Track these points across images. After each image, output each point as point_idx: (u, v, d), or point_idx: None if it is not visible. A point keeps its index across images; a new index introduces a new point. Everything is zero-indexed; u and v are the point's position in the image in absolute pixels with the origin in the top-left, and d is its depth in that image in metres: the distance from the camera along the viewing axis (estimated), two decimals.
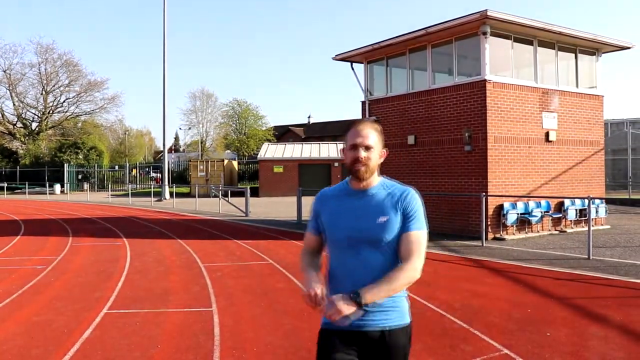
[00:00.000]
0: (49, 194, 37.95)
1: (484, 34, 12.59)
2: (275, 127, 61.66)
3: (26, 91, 53.08)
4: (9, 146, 51.91)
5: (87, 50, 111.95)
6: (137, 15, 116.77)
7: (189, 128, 65.11)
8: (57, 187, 40.32)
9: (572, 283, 7.61)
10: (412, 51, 14.63)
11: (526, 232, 13.04)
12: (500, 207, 12.68)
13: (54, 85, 52.77)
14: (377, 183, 2.34)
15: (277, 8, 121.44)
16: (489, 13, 12.00)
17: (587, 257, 9.53)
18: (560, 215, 13.63)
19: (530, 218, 12.92)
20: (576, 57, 14.65)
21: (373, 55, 15.62)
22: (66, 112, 54.64)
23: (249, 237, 13.13)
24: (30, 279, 8.17)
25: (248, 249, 11.24)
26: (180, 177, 43.09)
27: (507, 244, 11.57)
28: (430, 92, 13.99)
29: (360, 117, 16.23)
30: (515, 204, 12.85)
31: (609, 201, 17.54)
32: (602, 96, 15.13)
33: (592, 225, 10.82)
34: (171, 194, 28.78)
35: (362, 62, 16.11)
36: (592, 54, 15.04)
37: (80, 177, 45.41)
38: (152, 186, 36.90)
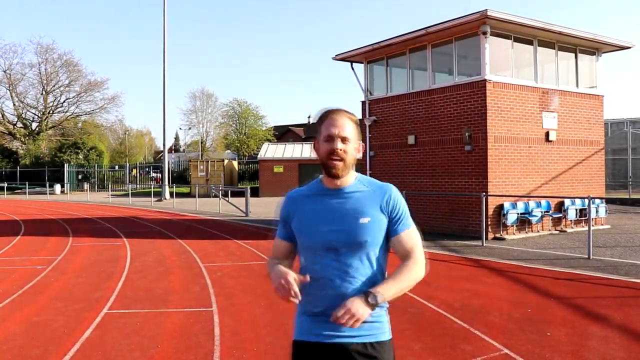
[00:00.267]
0: (49, 194, 37.96)
1: (484, 33, 12.59)
2: (275, 127, 61.67)
3: (26, 91, 53.22)
4: (9, 146, 51.95)
5: (87, 50, 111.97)
6: (137, 15, 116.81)
7: (189, 128, 65.19)
8: (57, 187, 40.33)
9: (572, 283, 7.61)
10: (412, 51, 14.63)
11: (526, 232, 13.04)
12: (501, 206, 12.68)
13: (54, 86, 52.84)
14: (353, 180, 2.11)
15: (277, 8, 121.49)
16: (489, 13, 12.01)
17: (587, 256, 9.53)
18: (561, 215, 13.63)
19: (530, 218, 12.92)
20: (576, 57, 14.65)
21: (373, 55, 15.63)
22: (66, 112, 54.73)
23: (249, 237, 13.13)
24: (30, 279, 8.17)
25: (248, 249, 11.24)
26: (181, 177, 43.10)
27: (507, 244, 11.57)
28: (430, 92, 13.99)
29: (360, 117, 16.24)
30: (516, 203, 12.85)
31: (609, 201, 17.53)
32: (602, 96, 15.13)
33: (592, 225, 10.81)
34: (171, 194, 28.79)
35: (362, 62, 16.11)
36: (592, 53, 15.04)
37: (80, 177, 45.43)
38: (152, 186, 36.91)
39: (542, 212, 13.19)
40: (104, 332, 5.42)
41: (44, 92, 52.50)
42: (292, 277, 1.95)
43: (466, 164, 12.98)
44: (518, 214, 12.76)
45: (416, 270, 2.07)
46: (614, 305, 6.25)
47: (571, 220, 13.85)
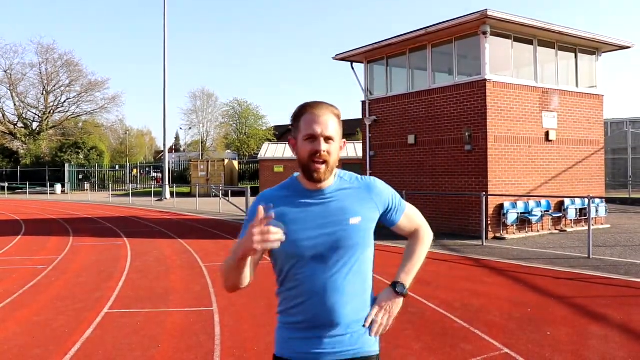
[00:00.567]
0: (50, 194, 37.98)
1: (484, 33, 12.59)
2: (275, 127, 61.63)
3: (27, 91, 53.22)
4: (10, 146, 51.97)
5: (87, 50, 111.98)
6: (137, 15, 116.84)
7: (190, 128, 65.26)
8: (58, 187, 40.35)
9: (572, 282, 7.62)
10: (412, 51, 14.64)
11: (526, 232, 13.04)
12: (501, 206, 12.68)
13: (54, 85, 52.85)
14: (334, 178, 1.90)
15: (277, 8, 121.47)
16: (489, 13, 12.01)
17: (587, 256, 9.54)
18: (561, 214, 13.64)
19: (530, 217, 12.93)
20: (576, 57, 14.65)
21: (373, 55, 15.63)
22: (67, 112, 54.76)
23: None
24: (31, 279, 8.19)
25: None
26: (181, 177, 43.11)
27: (507, 244, 11.58)
28: (430, 91, 14.00)
29: (360, 117, 16.24)
30: (516, 203, 12.85)
31: (609, 200, 17.55)
32: (602, 96, 15.14)
33: (592, 225, 10.82)
34: (172, 194, 28.79)
35: (362, 62, 16.12)
36: (592, 53, 15.04)
37: (81, 177, 45.45)
38: (153, 186, 36.92)
39: (542, 211, 13.19)
40: (104, 332, 5.43)
41: (44, 92, 52.53)
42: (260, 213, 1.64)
43: (466, 163, 12.99)
44: (518, 213, 12.77)
45: (426, 242, 2.10)
46: (614, 305, 6.25)
47: (571, 220, 13.86)
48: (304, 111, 1.85)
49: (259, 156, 36.19)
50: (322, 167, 1.81)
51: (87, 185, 43.51)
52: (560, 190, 13.78)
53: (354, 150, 29.41)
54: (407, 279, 2.01)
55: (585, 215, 13.62)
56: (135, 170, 51.27)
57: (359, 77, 16.22)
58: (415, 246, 2.08)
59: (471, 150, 12.82)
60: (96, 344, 5.08)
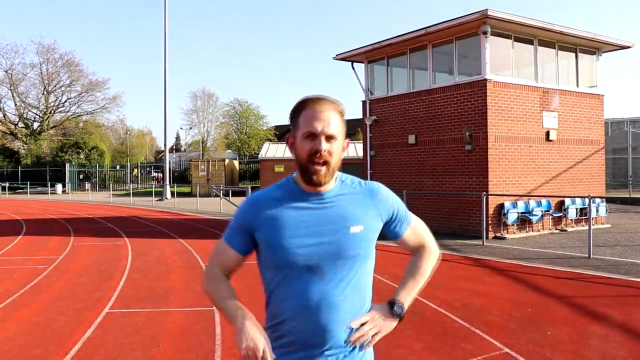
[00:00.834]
0: (51, 193, 38.00)
1: (485, 33, 12.59)
2: (276, 126, 61.65)
3: (28, 91, 53.25)
4: (11, 146, 52.01)
5: (88, 50, 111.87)
6: (138, 15, 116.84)
7: (190, 128, 65.27)
8: (59, 187, 40.38)
9: (573, 282, 7.62)
10: (412, 51, 14.64)
11: (527, 231, 13.04)
12: (501, 206, 12.68)
13: (55, 85, 52.89)
14: (336, 181, 1.74)
15: (277, 8, 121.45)
16: (489, 13, 12.01)
17: (587, 256, 9.54)
18: (561, 214, 13.64)
19: (530, 217, 12.93)
20: (576, 57, 14.65)
21: (374, 55, 15.64)
22: (67, 112, 54.80)
23: None
24: (31, 279, 8.19)
25: None
26: (182, 177, 43.14)
27: (508, 243, 11.58)
28: (430, 91, 14.00)
29: (361, 116, 16.25)
30: (516, 203, 12.85)
31: (609, 200, 17.54)
32: (603, 95, 15.14)
33: (593, 224, 10.82)
34: (172, 194, 28.81)
35: (362, 62, 16.12)
36: (593, 53, 15.04)
37: (81, 177, 45.48)
38: (154, 186, 36.95)
39: (542, 211, 13.19)
40: (105, 332, 5.44)
41: (45, 92, 52.56)
42: (264, 343, 1.58)
43: (467, 163, 12.99)
44: (518, 213, 12.77)
45: (432, 260, 1.90)
46: (615, 304, 6.26)
47: (571, 220, 13.86)
48: (304, 106, 1.66)
49: (259, 156, 36.22)
50: (323, 169, 1.63)
51: (87, 185, 43.53)
52: (560, 190, 13.78)
53: (355, 150, 29.42)
54: (407, 299, 1.80)
55: (585, 215, 13.62)
56: (135, 170, 51.30)
57: (360, 77, 16.23)
58: (420, 262, 1.88)
59: (471, 150, 12.82)
60: (97, 343, 5.08)
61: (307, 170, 1.64)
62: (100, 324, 5.73)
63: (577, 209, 13.77)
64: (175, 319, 5.88)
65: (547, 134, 13.60)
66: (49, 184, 39.50)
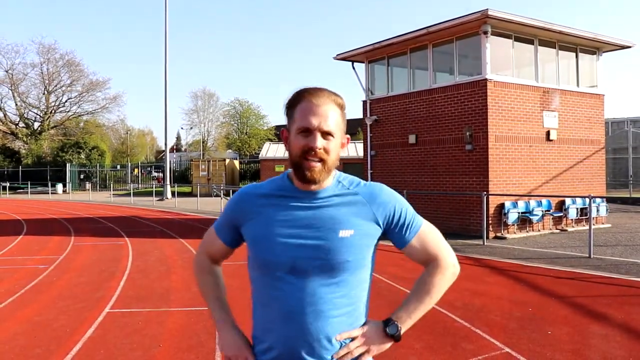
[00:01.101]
0: (51, 193, 38.00)
1: (485, 33, 12.59)
2: (276, 126, 61.64)
3: (28, 91, 53.25)
4: (11, 146, 52.02)
5: (89, 50, 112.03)
6: (138, 15, 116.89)
7: (191, 128, 65.32)
8: (59, 186, 40.39)
9: (573, 282, 7.62)
10: (413, 51, 14.65)
11: (527, 231, 13.04)
12: (501, 206, 12.69)
13: (56, 85, 52.89)
14: (333, 180, 1.60)
15: (277, 8, 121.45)
16: (489, 12, 12.01)
17: (588, 255, 9.54)
18: (561, 214, 13.64)
19: (531, 217, 12.93)
20: (577, 56, 14.65)
21: (374, 55, 15.64)
22: (68, 111, 54.80)
23: None
24: (32, 279, 8.20)
25: None
26: (182, 177, 43.17)
27: (508, 243, 11.58)
28: (431, 91, 14.00)
29: (361, 116, 16.25)
30: (516, 202, 12.86)
31: (609, 200, 17.54)
32: (603, 95, 15.14)
33: (593, 224, 10.82)
34: (173, 194, 28.83)
35: (363, 62, 16.13)
36: (593, 53, 15.04)
37: (82, 176, 45.50)
38: (154, 186, 36.94)
39: (542, 211, 13.19)
40: (105, 332, 5.44)
41: (46, 92, 52.58)
42: (249, 352, 1.60)
43: (467, 163, 12.99)
44: (519, 213, 12.77)
45: (444, 277, 1.65)
46: (615, 304, 6.26)
47: (572, 219, 13.86)
48: (301, 98, 1.53)
49: (260, 156, 36.24)
50: (318, 165, 1.51)
51: (88, 185, 43.54)
52: (561, 190, 13.78)
53: (355, 149, 29.42)
54: (406, 321, 1.61)
55: (586, 215, 13.62)
56: (136, 170, 51.33)
57: (360, 76, 16.23)
58: (428, 279, 1.64)
59: (472, 150, 12.82)
60: (97, 343, 5.09)
61: (300, 166, 1.52)
62: (100, 323, 5.73)
63: (577, 208, 13.77)
64: (175, 319, 5.88)
65: (548, 133, 13.60)
66: (50, 184, 39.50)
